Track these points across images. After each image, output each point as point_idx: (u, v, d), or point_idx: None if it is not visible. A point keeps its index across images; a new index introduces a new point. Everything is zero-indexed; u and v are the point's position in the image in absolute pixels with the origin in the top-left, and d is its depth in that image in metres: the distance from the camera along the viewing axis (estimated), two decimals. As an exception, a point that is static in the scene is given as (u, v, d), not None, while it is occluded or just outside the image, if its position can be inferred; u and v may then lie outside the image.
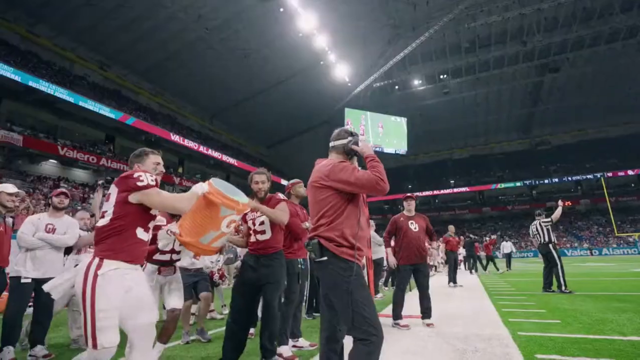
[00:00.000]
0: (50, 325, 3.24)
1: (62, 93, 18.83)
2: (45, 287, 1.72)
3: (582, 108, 35.53)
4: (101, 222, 1.76)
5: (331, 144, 2.04)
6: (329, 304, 1.90)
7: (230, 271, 7.41)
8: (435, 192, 40.90)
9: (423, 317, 4.13)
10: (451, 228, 9.08)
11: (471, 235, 17.63)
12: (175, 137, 24.86)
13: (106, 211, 1.77)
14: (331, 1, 23.82)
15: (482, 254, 14.81)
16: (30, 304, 3.18)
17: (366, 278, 5.38)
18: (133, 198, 1.76)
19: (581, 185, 38.91)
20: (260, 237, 2.76)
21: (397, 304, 4.05)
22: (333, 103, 33.51)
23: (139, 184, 1.75)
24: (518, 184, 38.74)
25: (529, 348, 3.10)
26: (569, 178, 37.25)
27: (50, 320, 3.20)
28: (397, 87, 35.44)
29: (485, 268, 13.88)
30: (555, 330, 3.70)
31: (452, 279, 8.65)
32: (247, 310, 2.70)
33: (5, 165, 18.96)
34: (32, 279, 2.98)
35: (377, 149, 35.62)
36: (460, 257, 16.91)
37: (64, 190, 3.29)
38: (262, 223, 2.77)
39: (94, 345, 1.59)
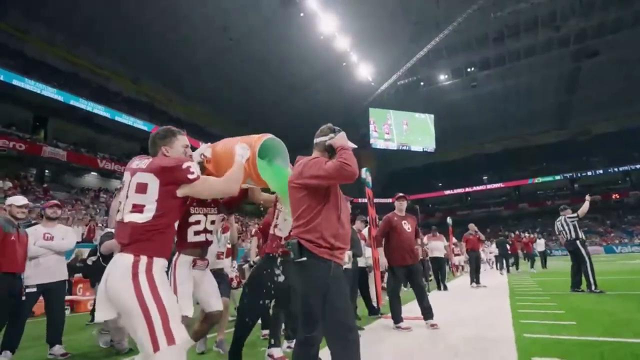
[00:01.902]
0: (64, 326, 3.50)
1: (99, 109, 20.22)
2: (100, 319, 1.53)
3: (626, 93, 32.84)
4: (139, 218, 1.53)
5: (314, 140, 2.04)
6: (305, 306, 1.85)
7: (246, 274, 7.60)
8: (467, 189, 39.38)
9: (425, 319, 4.04)
10: (472, 226, 8.76)
11: (507, 233, 16.88)
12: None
13: (144, 205, 1.55)
14: (351, 2, 23.76)
15: (520, 252, 14.07)
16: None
17: (374, 280, 5.36)
18: (180, 192, 1.60)
19: (630, 176, 35.95)
20: (277, 232, 2.81)
21: (395, 307, 3.98)
22: (357, 104, 33.38)
23: (190, 176, 1.58)
24: (557, 177, 36.45)
25: (529, 351, 2.97)
26: (615, 169, 34.55)
27: (63, 322, 3.46)
28: (422, 83, 34.65)
29: (517, 267, 13.24)
30: (566, 332, 3.51)
31: (475, 279, 8.34)
32: (254, 310, 2.74)
33: (53, 179, 20.63)
34: (39, 285, 3.26)
35: (404, 148, 35.13)
36: (491, 256, 16.31)
37: (56, 202, 3.62)
38: (285, 220, 2.81)
39: (171, 341, 1.42)
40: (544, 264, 13.30)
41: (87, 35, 21.21)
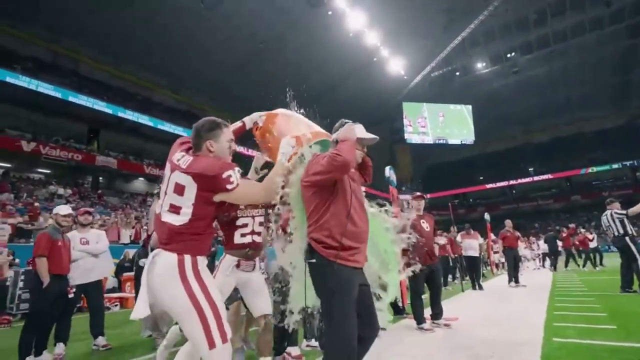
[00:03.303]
0: (104, 320, 3.88)
1: (144, 119, 21.64)
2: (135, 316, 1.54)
3: (697, 67, 29.30)
4: (175, 220, 1.53)
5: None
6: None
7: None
8: (512, 181, 37.18)
9: (433, 319, 4.00)
10: (508, 222, 8.30)
11: (557, 228, 15.77)
12: (240, 149, 26.78)
13: (180, 208, 1.53)
14: (378, -4, 23.41)
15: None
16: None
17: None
18: (217, 198, 1.57)
19: None
20: None
21: (417, 308, 3.94)
22: (390, 99, 32.78)
23: (229, 187, 1.53)
24: (615, 165, 33.27)
25: (554, 356, 2.84)
26: (687, 154, 30.97)
27: (102, 316, 3.86)
28: (457, 73, 33.23)
29: (570, 264, 12.29)
30: (602, 337, 3.29)
31: (514, 277, 7.92)
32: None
33: (107, 186, 22.44)
34: (78, 285, 3.65)
35: (441, 141, 33.98)
36: (538, 252, 15.37)
37: (88, 209, 4.00)
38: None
39: (225, 339, 1.48)
40: (597, 262, 12.21)
41: (130, 52, 22.76)
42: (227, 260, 2.43)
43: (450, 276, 9.51)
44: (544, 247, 13.85)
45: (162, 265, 1.49)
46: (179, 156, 1.63)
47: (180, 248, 1.51)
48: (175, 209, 1.54)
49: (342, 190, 1.81)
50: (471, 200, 41.49)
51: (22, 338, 3.19)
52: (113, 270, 8.57)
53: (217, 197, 1.57)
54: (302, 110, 2.62)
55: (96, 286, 3.84)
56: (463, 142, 33.08)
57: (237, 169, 1.59)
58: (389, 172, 5.92)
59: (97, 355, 3.56)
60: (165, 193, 1.59)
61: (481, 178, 39.28)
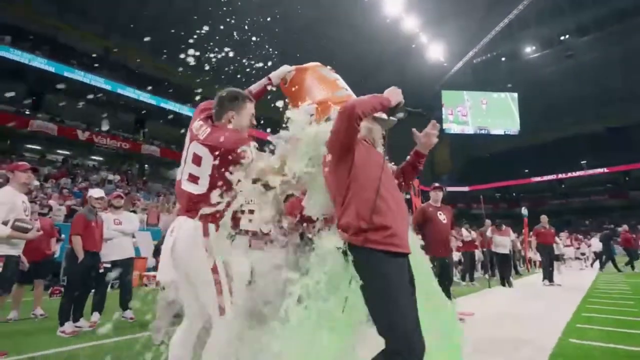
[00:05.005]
0: (131, 295, 4.20)
1: (184, 110, 22.71)
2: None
3: None
4: (193, 189, 1.58)
5: None
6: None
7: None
8: (561, 175, 34.61)
9: None
10: (544, 218, 7.79)
11: (612, 226, 14.50)
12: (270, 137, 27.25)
13: (198, 177, 1.58)
14: (417, -22, 22.50)
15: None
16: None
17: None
18: (233, 170, 1.60)
19: None
20: None
21: None
22: (428, 87, 31.60)
23: (244, 161, 1.57)
24: (684, 159, 29.86)
25: (564, 356, 2.71)
26: None
27: (131, 291, 4.19)
28: (503, 58, 31.35)
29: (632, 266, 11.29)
30: (627, 342, 3.08)
31: (547, 276, 7.49)
32: None
33: (151, 173, 23.91)
34: (113, 261, 4.00)
35: (482, 131, 32.39)
36: (584, 251, 14.39)
37: (119, 193, 4.33)
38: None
39: (223, 312, 1.51)
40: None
41: (172, 46, 23.82)
42: (238, 242, 2.53)
43: (478, 271, 9.20)
44: (597, 245, 12.88)
45: (185, 230, 1.55)
46: (198, 125, 1.68)
47: (202, 216, 1.55)
48: (193, 179, 1.59)
49: (366, 162, 1.50)
50: (514, 194, 39.27)
51: (61, 306, 3.60)
52: (152, 251, 9.21)
53: (233, 170, 1.59)
54: None
55: (127, 263, 4.18)
56: (506, 132, 31.27)
57: (253, 143, 1.59)
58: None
59: (125, 325, 3.92)
60: (185, 162, 1.64)
61: (526, 171, 36.95)
